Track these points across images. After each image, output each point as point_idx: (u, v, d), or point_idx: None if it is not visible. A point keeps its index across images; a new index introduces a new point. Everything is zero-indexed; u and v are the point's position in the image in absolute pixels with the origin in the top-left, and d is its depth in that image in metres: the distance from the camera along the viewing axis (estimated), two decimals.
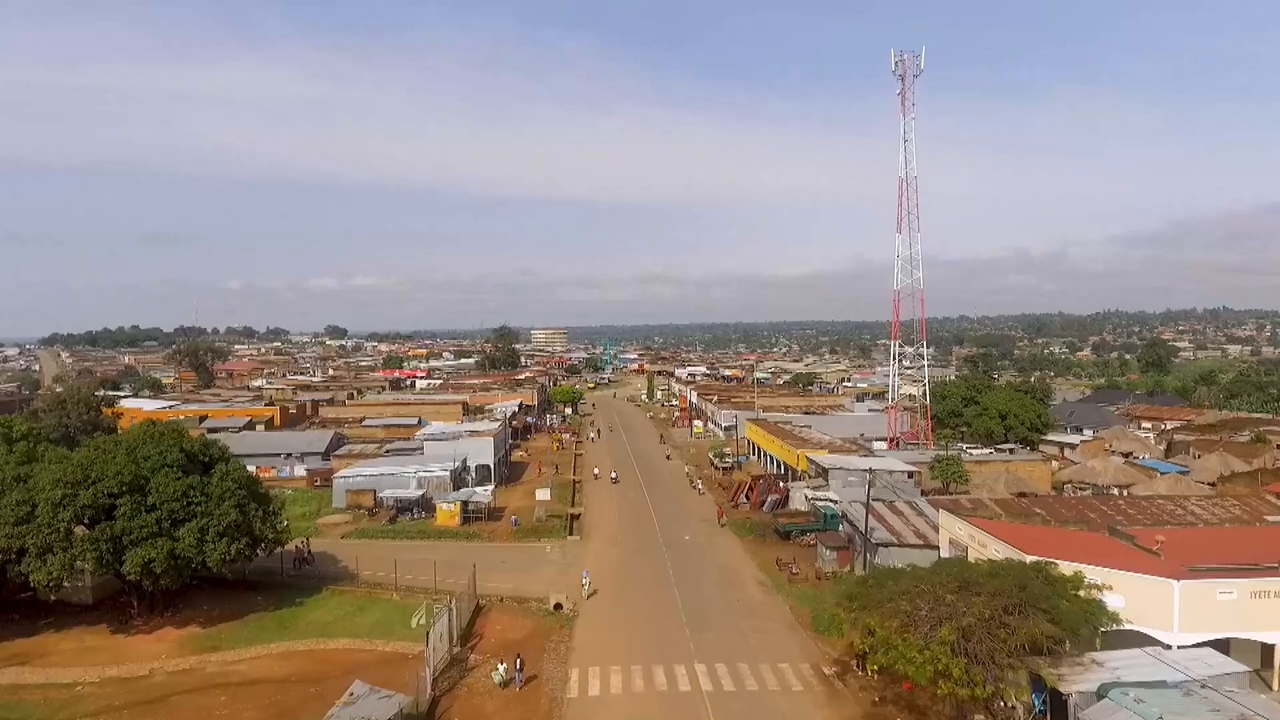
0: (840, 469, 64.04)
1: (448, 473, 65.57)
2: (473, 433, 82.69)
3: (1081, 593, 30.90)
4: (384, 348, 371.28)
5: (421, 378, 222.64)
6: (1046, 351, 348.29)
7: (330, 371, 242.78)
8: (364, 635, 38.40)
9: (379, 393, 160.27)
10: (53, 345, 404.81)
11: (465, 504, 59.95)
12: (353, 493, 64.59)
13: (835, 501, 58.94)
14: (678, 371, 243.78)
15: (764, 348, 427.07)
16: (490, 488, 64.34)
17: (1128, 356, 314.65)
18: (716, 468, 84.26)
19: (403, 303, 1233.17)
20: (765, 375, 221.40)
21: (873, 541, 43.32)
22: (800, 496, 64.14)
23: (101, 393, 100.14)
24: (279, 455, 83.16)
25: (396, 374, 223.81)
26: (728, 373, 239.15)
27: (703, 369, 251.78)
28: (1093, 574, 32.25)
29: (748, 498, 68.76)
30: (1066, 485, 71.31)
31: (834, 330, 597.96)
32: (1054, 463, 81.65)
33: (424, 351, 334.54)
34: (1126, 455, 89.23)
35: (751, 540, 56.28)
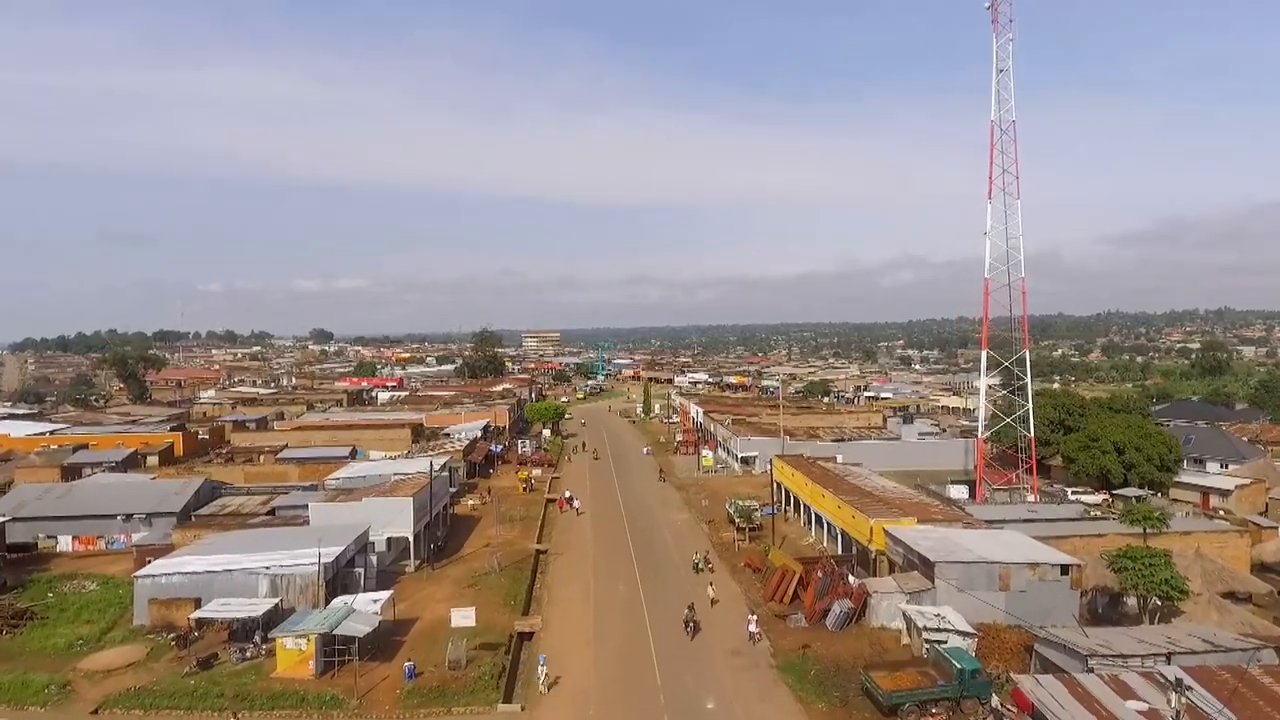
0: (954, 563, 39.34)
1: (316, 567, 40.31)
2: (395, 482, 57.92)
3: None
4: (367, 352, 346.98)
5: (392, 386, 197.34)
6: (1056, 354, 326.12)
7: (294, 380, 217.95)
8: None
9: (327, 410, 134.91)
10: (24, 350, 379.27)
11: (329, 637, 34.94)
12: (160, 603, 39.48)
13: (967, 635, 34.33)
14: (677, 379, 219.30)
15: (762, 350, 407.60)
16: (380, 599, 39.06)
17: (1139, 358, 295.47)
18: (740, 529, 59.30)
19: (393, 305, 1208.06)
20: (774, 384, 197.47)
21: None
22: (889, 608, 39.35)
23: None
24: (114, 517, 57.78)
25: (363, 383, 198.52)
26: (732, 380, 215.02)
27: (704, 375, 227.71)
28: None
29: (797, 596, 44.10)
30: None
31: (831, 331, 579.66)
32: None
33: (407, 356, 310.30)
34: None
35: (825, 711, 31.49)
